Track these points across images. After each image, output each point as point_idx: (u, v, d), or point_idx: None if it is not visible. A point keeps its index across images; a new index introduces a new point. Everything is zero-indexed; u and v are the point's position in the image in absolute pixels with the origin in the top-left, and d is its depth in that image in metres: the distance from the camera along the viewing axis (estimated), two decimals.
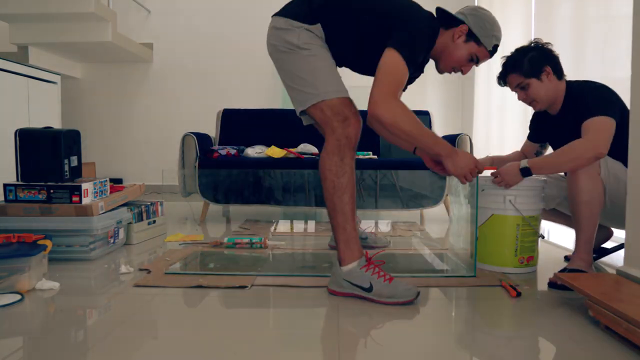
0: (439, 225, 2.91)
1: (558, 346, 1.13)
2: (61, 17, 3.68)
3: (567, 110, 1.77)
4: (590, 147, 1.58)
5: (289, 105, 4.27)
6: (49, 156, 1.97)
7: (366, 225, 2.84)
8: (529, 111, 3.44)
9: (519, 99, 1.83)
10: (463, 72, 1.66)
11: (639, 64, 1.47)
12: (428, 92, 4.73)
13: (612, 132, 1.61)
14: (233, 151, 3.12)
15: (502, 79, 1.87)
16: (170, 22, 4.75)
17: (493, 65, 3.89)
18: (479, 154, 4.26)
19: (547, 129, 1.92)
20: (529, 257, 1.76)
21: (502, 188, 1.73)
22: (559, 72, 1.78)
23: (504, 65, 1.84)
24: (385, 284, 1.41)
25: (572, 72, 2.73)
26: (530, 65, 1.73)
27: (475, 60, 1.63)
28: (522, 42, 3.49)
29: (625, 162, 1.64)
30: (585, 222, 1.64)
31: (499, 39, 1.63)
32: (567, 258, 1.85)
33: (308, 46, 1.50)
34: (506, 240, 1.75)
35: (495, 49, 1.63)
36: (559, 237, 2.58)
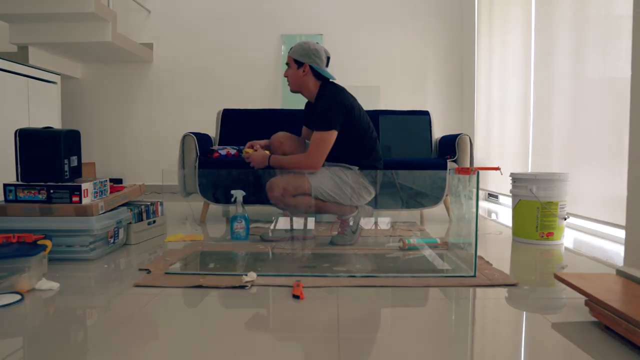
0: (439, 225, 2.91)
1: (558, 346, 1.13)
2: (61, 17, 3.68)
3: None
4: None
5: (289, 105, 4.33)
6: (49, 156, 1.97)
7: (367, 226, 2.84)
8: (529, 111, 3.45)
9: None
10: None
11: (639, 64, 1.46)
12: (428, 92, 4.73)
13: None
14: (233, 151, 3.12)
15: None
16: (170, 22, 4.75)
17: (494, 65, 3.89)
18: (480, 153, 4.27)
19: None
20: (549, 232, 2.28)
21: (531, 179, 2.31)
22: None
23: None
24: None
25: (572, 72, 2.74)
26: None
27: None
28: (523, 42, 3.51)
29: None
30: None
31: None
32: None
33: None
34: (529, 219, 2.31)
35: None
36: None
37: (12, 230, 1.88)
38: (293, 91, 2.32)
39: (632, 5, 1.48)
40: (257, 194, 2.95)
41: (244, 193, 2.47)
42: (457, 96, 4.74)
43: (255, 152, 2.25)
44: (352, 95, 2.28)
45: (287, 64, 2.28)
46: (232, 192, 2.46)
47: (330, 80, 2.29)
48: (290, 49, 2.27)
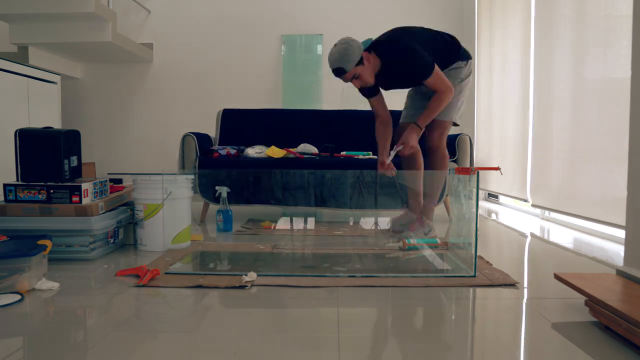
0: (439, 225, 2.91)
1: (558, 346, 1.13)
2: (61, 17, 3.68)
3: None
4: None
5: (289, 105, 4.34)
6: (49, 156, 1.97)
7: (367, 226, 2.84)
8: (529, 111, 3.44)
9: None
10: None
11: (639, 64, 1.46)
12: None
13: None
14: (233, 151, 3.12)
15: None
16: (170, 22, 4.75)
17: (494, 66, 3.89)
18: (480, 153, 4.27)
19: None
20: None
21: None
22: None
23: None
24: None
25: (572, 72, 2.74)
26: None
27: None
28: (523, 42, 3.50)
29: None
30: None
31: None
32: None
33: None
34: None
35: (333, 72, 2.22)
36: (557, 236, 2.58)
37: (12, 230, 1.88)
38: (368, 86, 2.30)
39: (632, 5, 1.48)
40: (258, 194, 2.95)
41: (228, 189, 2.64)
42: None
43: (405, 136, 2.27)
44: (401, 29, 2.32)
45: (354, 77, 2.20)
46: (217, 188, 2.59)
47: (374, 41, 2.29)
48: (336, 70, 2.18)
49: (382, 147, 2.46)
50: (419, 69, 2.20)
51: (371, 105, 2.48)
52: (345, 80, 2.23)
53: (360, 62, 2.18)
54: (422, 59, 2.19)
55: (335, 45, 2.20)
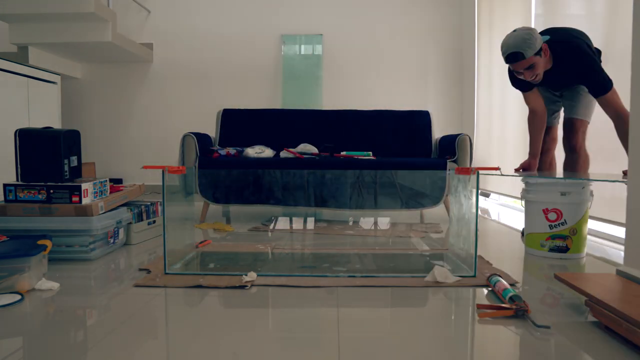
0: (439, 225, 2.91)
1: (558, 346, 1.13)
2: (61, 17, 3.68)
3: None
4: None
5: (289, 105, 4.35)
6: (49, 156, 1.97)
7: (367, 226, 2.85)
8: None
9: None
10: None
11: (639, 64, 1.46)
12: (428, 92, 4.73)
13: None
14: (233, 151, 3.12)
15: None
16: (170, 22, 4.75)
17: (494, 65, 3.89)
18: (479, 153, 4.27)
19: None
20: None
21: None
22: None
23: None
24: None
25: None
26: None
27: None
28: None
29: None
30: None
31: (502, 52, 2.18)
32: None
33: None
34: None
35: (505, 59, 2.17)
36: None
37: (12, 230, 1.88)
38: (536, 81, 2.22)
39: (632, 5, 1.48)
40: (257, 194, 2.95)
41: None
42: (457, 96, 4.74)
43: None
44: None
45: (529, 66, 2.12)
46: None
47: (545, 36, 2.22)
48: (513, 55, 2.09)
49: (536, 141, 2.45)
50: (599, 82, 2.09)
51: (526, 99, 2.41)
52: (517, 70, 2.14)
53: (539, 52, 2.10)
54: (603, 72, 2.10)
55: (514, 30, 2.11)
